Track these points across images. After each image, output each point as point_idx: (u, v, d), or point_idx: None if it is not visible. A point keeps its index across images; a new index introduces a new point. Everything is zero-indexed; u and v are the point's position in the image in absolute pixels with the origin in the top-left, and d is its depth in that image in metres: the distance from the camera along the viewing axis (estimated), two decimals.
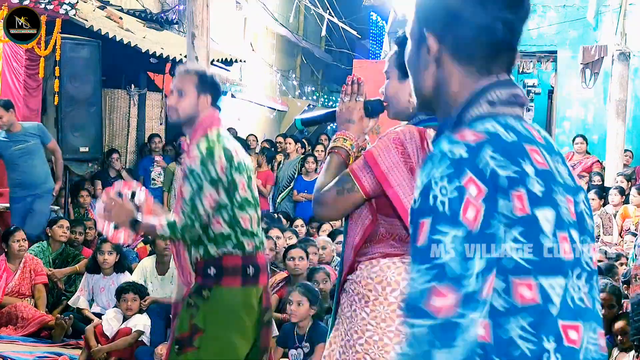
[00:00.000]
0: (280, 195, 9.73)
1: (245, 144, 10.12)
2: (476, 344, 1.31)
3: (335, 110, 2.57)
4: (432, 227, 1.29)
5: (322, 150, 10.13)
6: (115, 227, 3.53)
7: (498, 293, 1.32)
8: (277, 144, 11.16)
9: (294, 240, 6.53)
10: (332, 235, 7.19)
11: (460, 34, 1.41)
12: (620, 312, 5.02)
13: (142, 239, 7.57)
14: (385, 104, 2.51)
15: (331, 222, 8.04)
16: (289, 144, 10.22)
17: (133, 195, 3.55)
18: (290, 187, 9.70)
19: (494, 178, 1.31)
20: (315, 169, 9.36)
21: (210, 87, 3.52)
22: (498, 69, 1.44)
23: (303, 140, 11.89)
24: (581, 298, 1.40)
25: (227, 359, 3.38)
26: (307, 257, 5.74)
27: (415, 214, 1.32)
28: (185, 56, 6.88)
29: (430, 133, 2.35)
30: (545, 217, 1.35)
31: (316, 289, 4.99)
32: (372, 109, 2.53)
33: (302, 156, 10.11)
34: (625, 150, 11.24)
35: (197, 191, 3.31)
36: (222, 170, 3.34)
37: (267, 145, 11.43)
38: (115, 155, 9.46)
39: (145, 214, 3.47)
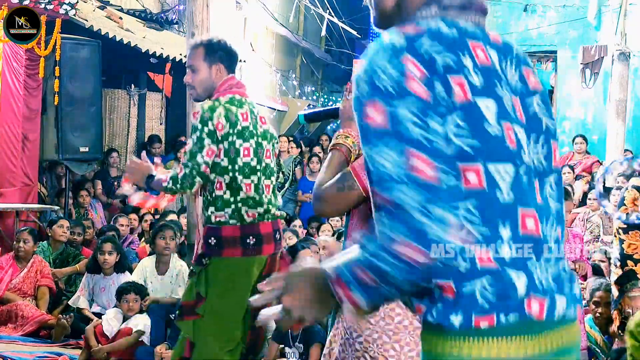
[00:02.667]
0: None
1: None
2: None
3: (338, 107, 2.57)
4: (386, 105, 1.33)
5: (319, 152, 10.14)
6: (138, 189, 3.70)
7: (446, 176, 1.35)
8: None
9: (294, 241, 6.53)
10: (340, 236, 7.19)
11: None
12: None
13: (144, 240, 7.58)
14: None
15: (331, 223, 8.05)
16: (283, 142, 10.22)
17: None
18: (285, 187, 9.70)
19: (432, 62, 1.36)
20: (320, 169, 9.36)
21: (220, 56, 3.53)
22: None
23: (300, 141, 11.89)
24: (532, 188, 1.42)
25: (226, 326, 3.41)
26: None
27: (365, 102, 1.35)
28: (185, 56, 6.88)
29: None
30: (487, 105, 1.38)
31: None
32: None
33: (295, 156, 10.12)
34: (625, 150, 11.24)
35: (196, 142, 3.38)
36: (221, 128, 3.39)
37: None
38: (114, 155, 9.46)
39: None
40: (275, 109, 16.83)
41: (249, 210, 3.45)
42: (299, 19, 18.20)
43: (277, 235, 3.60)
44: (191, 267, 3.52)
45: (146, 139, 10.26)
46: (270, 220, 3.52)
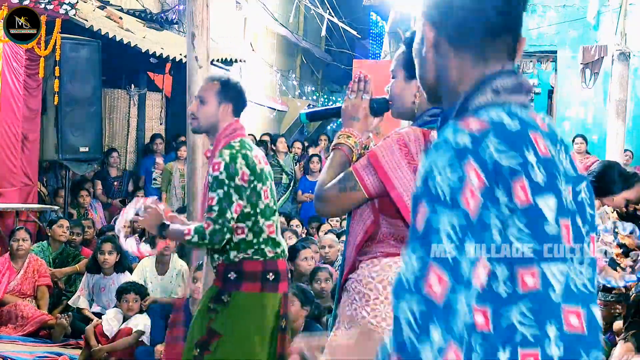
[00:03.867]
0: (282, 198, 9.72)
1: None
2: (477, 333, 1.32)
3: (340, 107, 2.57)
4: (431, 212, 1.29)
5: (319, 151, 10.14)
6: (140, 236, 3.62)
7: (502, 281, 1.33)
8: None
9: (293, 240, 6.54)
10: (340, 235, 7.20)
11: (453, 21, 1.42)
12: (620, 312, 5.04)
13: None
14: (390, 102, 2.51)
15: (331, 223, 8.06)
16: (280, 142, 10.23)
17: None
18: (290, 188, 9.71)
19: (496, 168, 1.32)
20: (320, 169, 9.37)
21: (232, 96, 3.52)
22: (497, 56, 1.44)
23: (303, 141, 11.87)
24: (584, 284, 1.40)
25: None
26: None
27: (416, 200, 1.33)
28: (185, 56, 6.87)
29: (434, 135, 2.35)
30: (547, 204, 1.35)
31: (310, 291, 5.00)
32: (378, 108, 2.52)
33: (293, 155, 10.13)
34: (625, 150, 11.24)
35: (224, 197, 3.33)
36: (245, 178, 3.36)
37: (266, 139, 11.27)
38: (114, 154, 9.46)
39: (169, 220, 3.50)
40: (275, 109, 16.83)
41: (270, 248, 3.45)
42: (299, 19, 18.20)
43: (288, 274, 3.63)
44: (209, 304, 3.45)
45: (146, 139, 10.27)
46: (284, 259, 3.54)
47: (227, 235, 3.34)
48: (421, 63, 1.51)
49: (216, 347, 3.35)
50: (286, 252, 3.60)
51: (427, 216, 1.29)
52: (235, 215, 3.34)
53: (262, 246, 3.42)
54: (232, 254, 3.41)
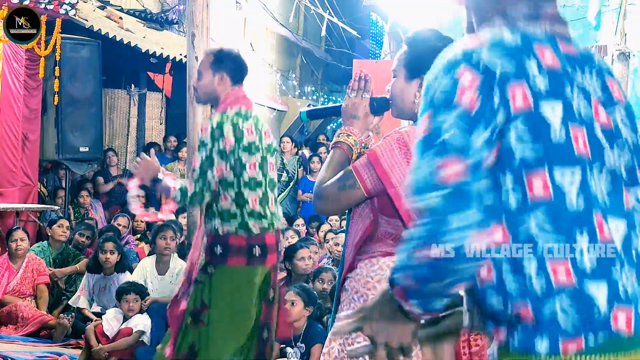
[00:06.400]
0: (281, 195, 9.74)
1: None
2: (498, 249, 1.31)
3: (340, 105, 2.57)
4: (430, 117, 1.34)
5: (321, 151, 10.14)
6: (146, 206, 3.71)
7: (511, 190, 1.33)
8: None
9: (295, 240, 6.54)
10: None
11: None
12: None
13: (142, 239, 7.58)
14: (390, 102, 2.52)
15: (331, 223, 8.06)
16: (286, 143, 10.23)
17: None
18: (289, 186, 9.71)
19: (489, 72, 1.35)
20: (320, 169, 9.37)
21: (226, 66, 3.56)
22: None
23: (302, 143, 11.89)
24: (610, 193, 1.37)
25: (231, 334, 3.44)
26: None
27: (420, 114, 1.39)
28: (185, 56, 6.88)
29: None
30: (552, 108, 1.36)
31: (313, 291, 4.99)
32: (378, 107, 2.53)
33: (298, 156, 10.13)
34: None
35: (205, 160, 3.41)
36: (229, 145, 3.39)
37: None
38: (109, 153, 9.42)
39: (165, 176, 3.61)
40: (275, 109, 16.82)
41: (255, 222, 3.47)
42: (299, 19, 18.20)
43: (279, 247, 3.66)
44: (196, 277, 3.52)
45: (146, 139, 10.27)
46: (274, 232, 3.56)
47: (207, 195, 3.41)
48: None
49: (207, 319, 3.42)
50: (276, 225, 3.61)
51: (427, 122, 1.35)
52: (217, 177, 3.39)
53: (246, 219, 3.46)
54: (216, 222, 3.45)
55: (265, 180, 3.55)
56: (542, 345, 1.29)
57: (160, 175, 3.54)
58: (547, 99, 1.35)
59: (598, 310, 1.30)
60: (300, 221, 8.13)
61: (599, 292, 1.31)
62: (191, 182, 3.43)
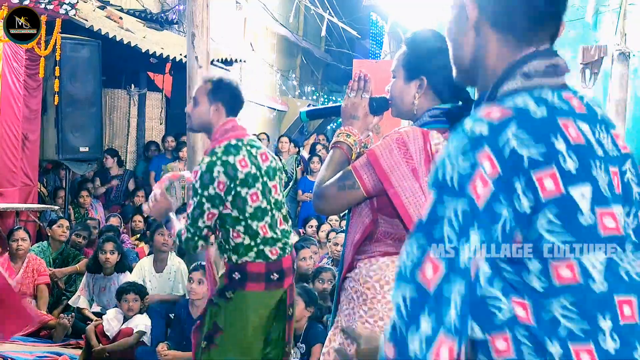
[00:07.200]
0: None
1: None
2: (520, 325, 1.27)
3: (340, 105, 2.57)
4: (437, 199, 1.26)
5: (319, 151, 10.14)
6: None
7: (535, 276, 1.28)
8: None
9: (295, 239, 6.55)
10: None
11: (500, 4, 1.37)
12: None
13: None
14: (390, 102, 2.52)
15: (331, 222, 8.06)
16: (284, 143, 10.23)
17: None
18: (289, 187, 9.71)
19: (515, 158, 1.26)
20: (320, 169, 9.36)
21: (223, 96, 3.51)
22: (539, 41, 1.39)
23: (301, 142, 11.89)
24: (638, 272, 1.34)
25: (244, 355, 3.45)
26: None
27: (429, 188, 1.29)
28: (185, 56, 6.88)
29: (434, 134, 2.35)
30: (582, 193, 1.29)
31: (314, 292, 5.00)
32: (377, 106, 2.53)
33: (296, 155, 10.13)
34: None
35: (196, 206, 3.38)
36: (222, 187, 3.36)
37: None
38: (106, 155, 9.40)
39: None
40: (275, 109, 16.83)
41: (271, 248, 3.46)
42: (299, 19, 18.21)
43: (294, 265, 3.66)
44: (211, 299, 3.52)
45: (146, 139, 10.27)
46: (289, 254, 3.55)
47: (200, 242, 3.41)
48: (458, 43, 1.44)
49: (220, 342, 3.41)
50: (291, 245, 3.59)
51: (433, 204, 1.26)
52: (208, 223, 3.38)
53: (262, 247, 3.43)
54: (234, 257, 3.43)
55: (270, 205, 3.50)
56: None
57: (171, 216, 3.55)
58: (576, 183, 1.29)
59: None
60: (314, 222, 8.02)
61: None
62: (184, 229, 3.42)
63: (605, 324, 1.28)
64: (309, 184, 9.40)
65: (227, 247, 3.45)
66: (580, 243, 1.28)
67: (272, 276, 3.45)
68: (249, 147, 3.50)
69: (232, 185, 3.38)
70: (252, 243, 3.42)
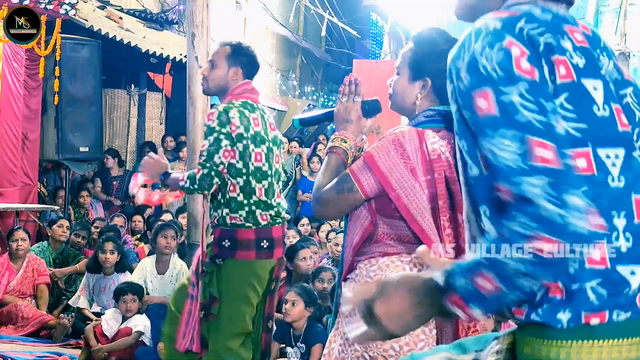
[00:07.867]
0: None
1: None
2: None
3: (332, 110, 2.58)
4: (496, 93, 1.25)
5: (320, 151, 10.14)
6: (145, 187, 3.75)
7: None
8: None
9: (296, 240, 6.54)
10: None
11: None
12: None
13: (139, 239, 7.58)
14: (389, 99, 2.52)
15: (330, 222, 8.06)
16: (284, 143, 10.22)
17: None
18: (288, 186, 9.72)
19: (534, 43, 1.29)
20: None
21: (242, 61, 3.59)
22: None
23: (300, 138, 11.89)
24: None
25: (238, 327, 3.50)
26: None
27: (469, 93, 1.28)
28: (185, 56, 6.88)
29: (429, 134, 2.35)
30: (594, 86, 1.31)
31: (314, 291, 4.99)
32: (370, 109, 2.53)
33: (296, 156, 10.13)
34: None
35: (213, 143, 3.43)
36: (235, 129, 3.44)
37: None
38: (107, 156, 9.40)
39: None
40: (275, 109, 16.83)
41: (262, 213, 3.50)
42: (299, 19, 18.20)
43: (285, 239, 3.70)
44: (202, 267, 3.56)
45: (146, 139, 10.26)
46: (280, 224, 3.58)
47: (216, 179, 3.41)
48: None
49: (217, 311, 3.46)
50: (284, 216, 3.63)
51: (495, 98, 1.25)
52: (224, 160, 3.41)
53: (254, 208, 3.47)
54: (224, 212, 3.45)
55: (271, 171, 3.57)
56: (564, 317, 1.26)
57: (169, 169, 3.58)
58: (587, 76, 1.31)
59: (628, 290, 1.27)
60: (305, 221, 8.13)
61: (632, 274, 1.27)
62: (198, 166, 3.44)
63: (620, 222, 1.27)
64: (309, 184, 9.40)
65: (221, 200, 3.48)
66: (596, 133, 1.28)
67: (262, 243, 3.49)
68: (262, 112, 3.61)
69: (243, 135, 3.44)
70: (245, 201, 3.47)
